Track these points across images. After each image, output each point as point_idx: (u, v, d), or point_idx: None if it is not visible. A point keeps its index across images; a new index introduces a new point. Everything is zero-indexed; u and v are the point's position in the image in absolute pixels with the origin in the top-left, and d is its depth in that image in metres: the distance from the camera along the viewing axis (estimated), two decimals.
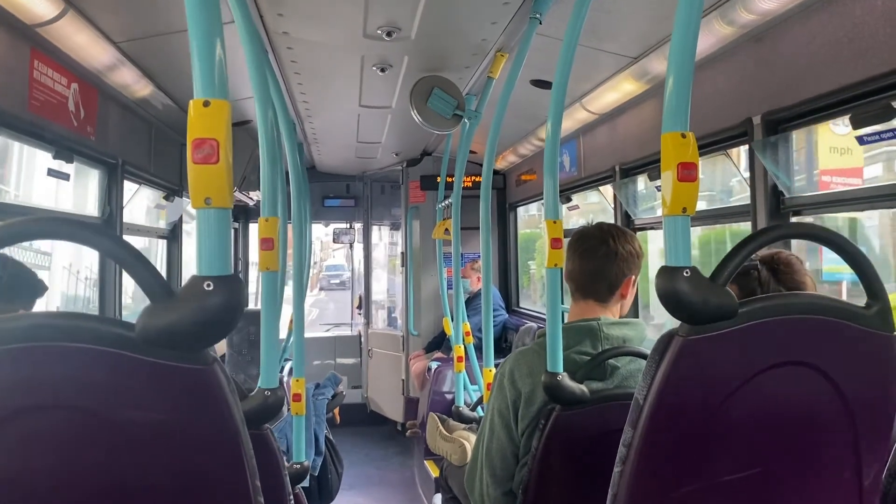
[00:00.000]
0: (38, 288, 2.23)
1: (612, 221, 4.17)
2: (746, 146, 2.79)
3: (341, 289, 26.25)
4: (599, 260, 2.06)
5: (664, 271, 1.21)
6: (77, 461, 1.00)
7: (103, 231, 1.06)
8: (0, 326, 0.96)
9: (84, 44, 2.90)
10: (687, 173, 1.20)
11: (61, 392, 0.97)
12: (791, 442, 1.30)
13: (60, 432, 0.99)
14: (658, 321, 4.62)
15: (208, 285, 0.98)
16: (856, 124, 2.18)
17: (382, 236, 8.53)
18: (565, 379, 1.89)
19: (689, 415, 1.25)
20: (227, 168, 1.02)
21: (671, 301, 1.19)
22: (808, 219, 2.65)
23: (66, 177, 3.13)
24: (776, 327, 1.25)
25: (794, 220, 2.64)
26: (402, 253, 7.35)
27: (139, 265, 0.99)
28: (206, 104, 1.03)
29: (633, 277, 2.11)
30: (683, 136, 1.22)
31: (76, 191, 3.79)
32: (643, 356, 1.99)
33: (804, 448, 1.32)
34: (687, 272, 1.18)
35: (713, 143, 2.97)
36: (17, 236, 1.01)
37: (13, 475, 0.98)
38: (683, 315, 1.20)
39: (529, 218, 7.20)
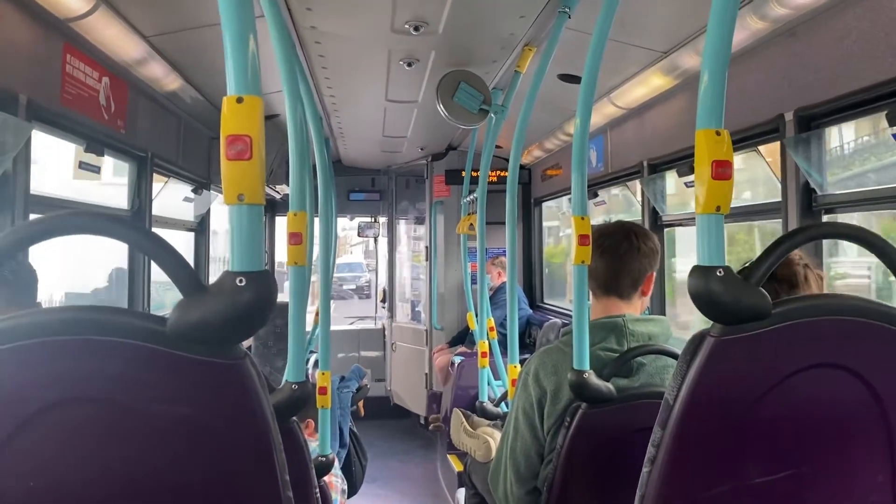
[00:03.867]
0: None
1: (640, 219, 4.15)
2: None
3: (358, 296, 20.64)
4: (622, 257, 2.06)
5: (697, 270, 1.19)
6: (108, 455, 1.01)
7: (136, 227, 1.07)
8: (32, 320, 0.97)
9: (115, 38, 2.93)
10: (721, 171, 1.18)
11: (93, 385, 0.99)
12: (824, 445, 1.28)
13: (92, 426, 1.00)
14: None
15: (240, 281, 0.99)
16: (892, 121, 2.14)
17: (405, 231, 8.55)
18: (592, 377, 1.88)
19: (720, 416, 1.24)
20: (260, 164, 1.02)
21: (704, 301, 1.18)
22: (840, 217, 2.60)
23: (96, 170, 3.17)
24: (810, 329, 1.23)
25: (825, 218, 2.60)
26: (427, 247, 7.36)
27: (172, 260, 1.00)
28: (239, 100, 1.03)
29: (654, 273, 2.12)
30: (718, 133, 1.20)
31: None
32: (670, 354, 1.97)
33: (837, 452, 1.29)
34: (720, 272, 1.17)
35: (744, 139, 2.93)
36: (51, 231, 1.02)
37: (45, 467, 0.99)
38: (716, 315, 1.19)
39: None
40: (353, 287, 22.26)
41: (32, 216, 2.57)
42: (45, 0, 2.44)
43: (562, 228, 7.18)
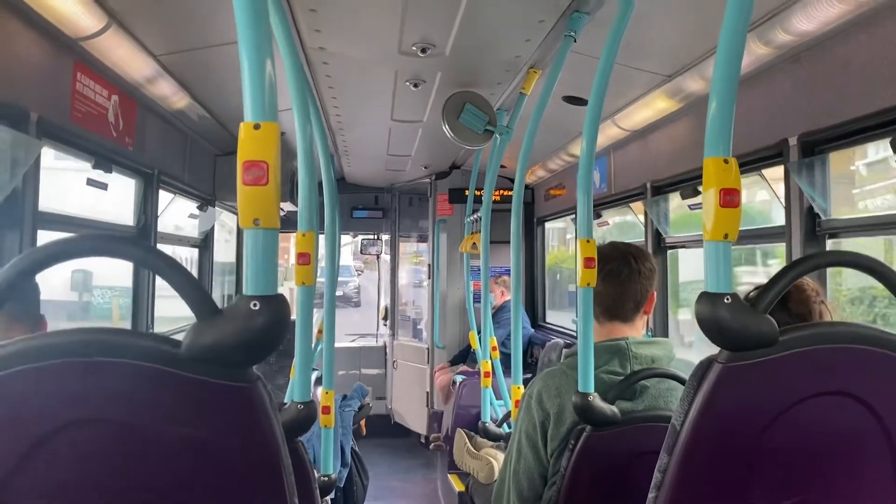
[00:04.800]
0: (38, 294, 2.15)
1: (643, 240, 4.16)
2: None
3: (345, 306, 19.22)
4: (624, 281, 2.07)
5: (704, 297, 1.20)
6: (121, 476, 1.01)
7: (154, 250, 1.08)
8: (47, 342, 0.98)
9: (125, 57, 2.96)
10: (729, 199, 1.20)
11: (107, 407, 0.99)
12: (830, 472, 1.29)
13: (105, 447, 1.00)
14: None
15: (255, 305, 1.00)
16: None
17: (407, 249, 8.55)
18: (596, 399, 1.88)
19: (726, 442, 1.24)
20: (275, 189, 1.03)
21: (711, 327, 1.19)
22: (845, 241, 2.61)
23: (104, 186, 3.19)
24: (817, 356, 1.23)
25: (829, 242, 2.61)
26: (429, 265, 7.37)
27: (188, 284, 1.01)
28: (256, 127, 1.04)
29: (654, 292, 2.14)
30: (726, 161, 1.22)
31: None
32: (674, 377, 1.98)
33: (844, 479, 1.30)
34: (728, 299, 1.18)
35: (748, 164, 2.94)
36: (68, 254, 1.03)
37: (58, 488, 1.00)
38: (723, 342, 1.19)
39: None
40: (340, 294, 20.25)
41: (41, 232, 2.59)
42: (56, 19, 2.47)
43: (568, 230, 7.14)
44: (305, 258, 2.10)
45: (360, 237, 8.74)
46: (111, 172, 3.18)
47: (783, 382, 1.23)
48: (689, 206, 3.53)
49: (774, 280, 1.24)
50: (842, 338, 1.26)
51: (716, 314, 1.18)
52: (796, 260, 1.30)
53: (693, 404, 1.21)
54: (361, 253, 8.90)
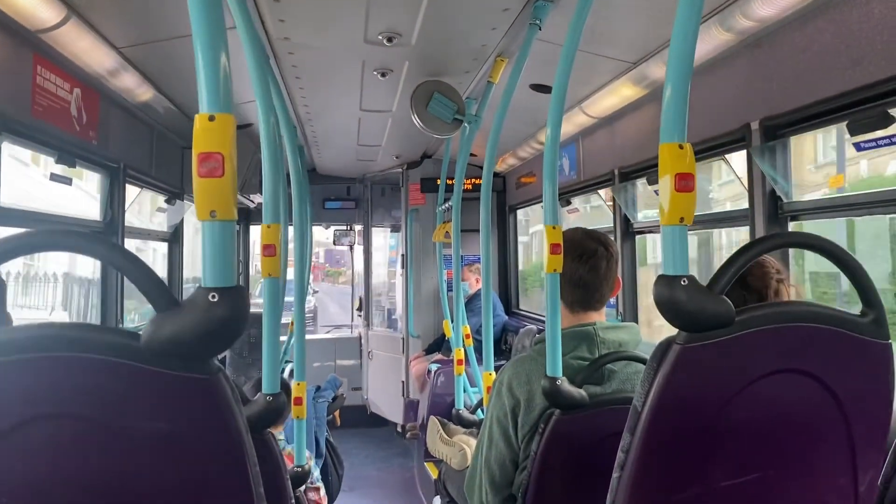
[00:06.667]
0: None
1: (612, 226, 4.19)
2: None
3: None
4: (603, 270, 2.09)
5: (662, 280, 1.22)
6: (82, 470, 1.01)
7: (108, 243, 1.08)
8: (6, 337, 0.98)
9: (86, 49, 2.91)
10: (684, 184, 1.22)
11: (68, 402, 0.99)
12: (788, 448, 1.32)
13: (67, 442, 1.00)
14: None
15: (213, 297, 1.00)
16: (852, 131, 2.20)
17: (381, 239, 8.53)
18: (564, 384, 1.91)
19: (687, 421, 1.27)
20: (231, 181, 1.03)
21: (669, 309, 1.21)
22: (807, 223, 2.66)
23: (68, 181, 3.15)
24: (772, 335, 1.26)
25: (791, 224, 2.66)
26: (403, 255, 7.37)
27: (145, 277, 1.01)
28: (211, 118, 1.04)
29: (619, 277, 2.18)
30: (681, 146, 1.24)
31: None
32: (641, 360, 2.01)
33: (801, 454, 1.33)
34: (684, 281, 1.20)
35: (711, 149, 2.99)
36: (21, 249, 1.02)
37: (20, 484, 0.99)
38: (681, 323, 1.22)
39: None
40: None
41: (1, 228, 2.55)
42: (14, 12, 2.42)
43: None
44: (271, 250, 2.09)
45: (332, 228, 8.71)
46: (75, 167, 3.13)
47: (740, 362, 1.25)
48: (654, 191, 3.57)
49: (730, 262, 1.27)
50: (796, 317, 1.29)
51: (673, 296, 1.20)
52: (749, 242, 1.33)
53: (653, 385, 1.24)
54: (335, 244, 8.87)
